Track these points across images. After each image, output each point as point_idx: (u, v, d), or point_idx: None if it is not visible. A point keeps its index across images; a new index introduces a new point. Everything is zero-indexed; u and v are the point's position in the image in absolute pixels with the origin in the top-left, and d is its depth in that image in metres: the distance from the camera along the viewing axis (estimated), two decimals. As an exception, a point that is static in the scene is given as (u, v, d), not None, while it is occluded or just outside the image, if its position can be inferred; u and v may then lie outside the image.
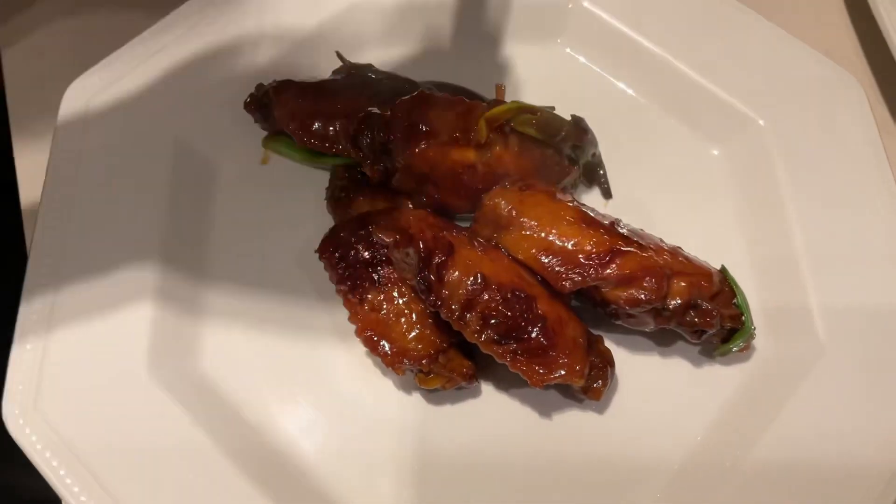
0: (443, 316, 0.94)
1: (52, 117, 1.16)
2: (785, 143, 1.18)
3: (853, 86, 1.20)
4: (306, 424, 1.03)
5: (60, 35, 1.39)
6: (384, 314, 1.01)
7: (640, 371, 1.07)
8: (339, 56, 1.21)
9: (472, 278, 0.93)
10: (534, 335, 0.93)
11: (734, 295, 1.03)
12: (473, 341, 0.95)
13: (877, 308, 1.05)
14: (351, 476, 1.00)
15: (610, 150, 1.22)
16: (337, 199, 1.14)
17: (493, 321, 0.93)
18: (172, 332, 1.05)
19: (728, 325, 1.02)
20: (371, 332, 1.00)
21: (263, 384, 1.06)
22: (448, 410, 1.04)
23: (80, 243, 1.07)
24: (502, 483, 1.00)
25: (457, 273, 0.93)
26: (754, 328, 1.04)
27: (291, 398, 1.05)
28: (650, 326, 1.03)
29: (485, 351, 0.95)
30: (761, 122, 1.20)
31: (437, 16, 1.32)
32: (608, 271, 0.97)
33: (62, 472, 0.93)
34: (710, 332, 1.02)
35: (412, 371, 1.00)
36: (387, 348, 0.99)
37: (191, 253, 1.12)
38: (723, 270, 1.05)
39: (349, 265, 1.03)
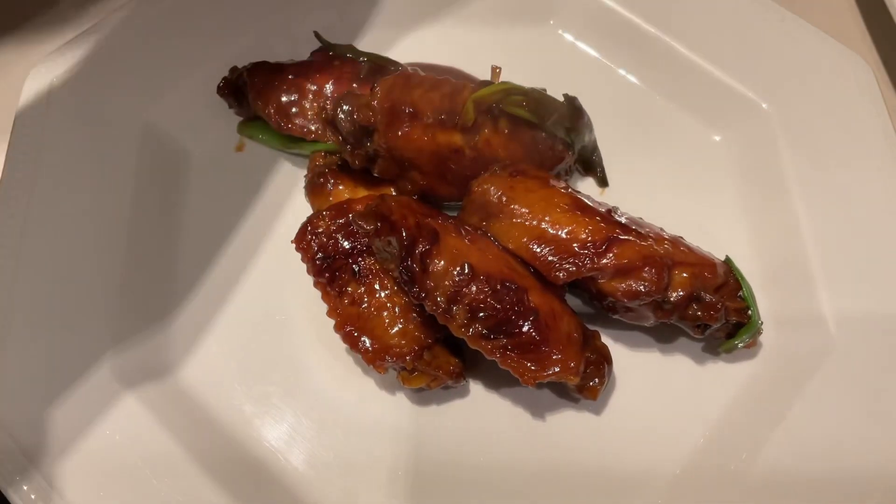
0: (427, 309, 0.87)
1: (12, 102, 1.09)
2: (790, 128, 1.12)
3: (862, 67, 1.14)
4: (284, 431, 0.96)
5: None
6: (365, 308, 0.93)
7: (639, 369, 1.01)
8: (318, 36, 1.15)
9: (458, 268, 0.86)
10: (525, 329, 0.86)
11: (739, 287, 0.97)
12: (460, 336, 0.88)
13: (888, 299, 0.99)
14: (331, 487, 0.93)
15: (606, 136, 1.15)
16: (315, 186, 1.07)
17: (481, 314, 0.86)
18: (140, 334, 0.99)
19: (733, 319, 0.96)
20: (351, 328, 0.93)
21: (237, 387, 0.99)
22: (434, 412, 0.97)
23: (39, 236, 1.00)
24: (494, 491, 0.93)
25: (442, 262, 0.86)
26: (761, 322, 0.97)
27: (267, 402, 0.98)
28: (650, 321, 0.96)
29: (473, 347, 0.88)
30: (765, 105, 1.14)
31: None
32: (604, 261, 0.91)
33: (25, 487, 0.86)
34: (715, 326, 0.95)
35: (395, 369, 0.93)
36: (367, 344, 0.92)
37: (159, 245, 1.05)
38: (727, 261, 0.99)
39: (327, 256, 0.97)
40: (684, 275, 0.94)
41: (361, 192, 1.04)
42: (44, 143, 1.05)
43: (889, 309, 0.98)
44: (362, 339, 0.92)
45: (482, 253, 0.90)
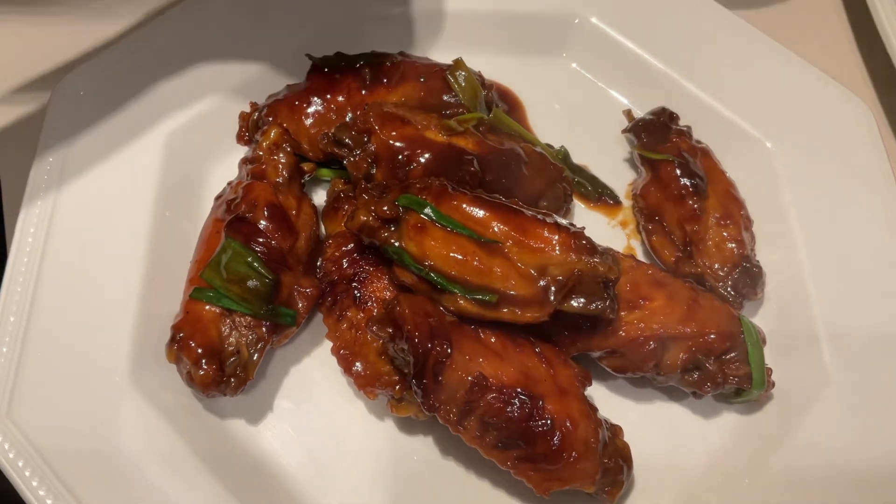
0: (440, 420, 0.84)
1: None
2: (792, 167, 1.11)
3: (862, 111, 1.13)
4: (281, 439, 0.96)
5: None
6: (360, 334, 0.92)
7: (635, 400, 1.00)
8: (309, 57, 1.14)
9: (471, 379, 0.82)
10: (539, 440, 0.83)
11: (746, 352, 0.94)
12: (473, 446, 0.85)
13: (885, 336, 0.98)
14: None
15: (611, 166, 1.16)
16: (330, 210, 1.07)
17: (493, 426, 0.83)
18: (155, 339, 0.97)
19: (734, 387, 0.94)
20: (346, 352, 0.92)
21: (253, 399, 0.99)
22: (421, 445, 0.96)
23: (61, 246, 1.00)
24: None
25: (455, 374, 0.82)
26: (764, 389, 0.95)
27: (268, 410, 0.98)
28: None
29: (486, 457, 0.85)
30: (769, 144, 1.13)
31: (436, 25, 1.25)
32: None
33: (34, 483, 0.85)
34: (713, 392, 0.94)
35: (385, 396, 0.92)
36: (360, 370, 0.90)
37: (177, 258, 1.03)
38: (741, 321, 0.96)
39: (330, 281, 0.96)
40: (681, 355, 0.92)
41: (368, 211, 1.01)
42: (69, 154, 1.05)
43: (885, 343, 0.98)
44: (356, 364, 0.91)
45: (498, 357, 0.86)
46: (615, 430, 0.90)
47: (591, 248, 0.87)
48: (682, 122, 1.15)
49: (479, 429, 0.83)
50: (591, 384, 0.91)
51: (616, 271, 0.87)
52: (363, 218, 0.90)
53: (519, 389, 0.83)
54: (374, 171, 1.01)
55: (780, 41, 1.20)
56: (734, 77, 1.18)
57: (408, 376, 0.84)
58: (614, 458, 0.86)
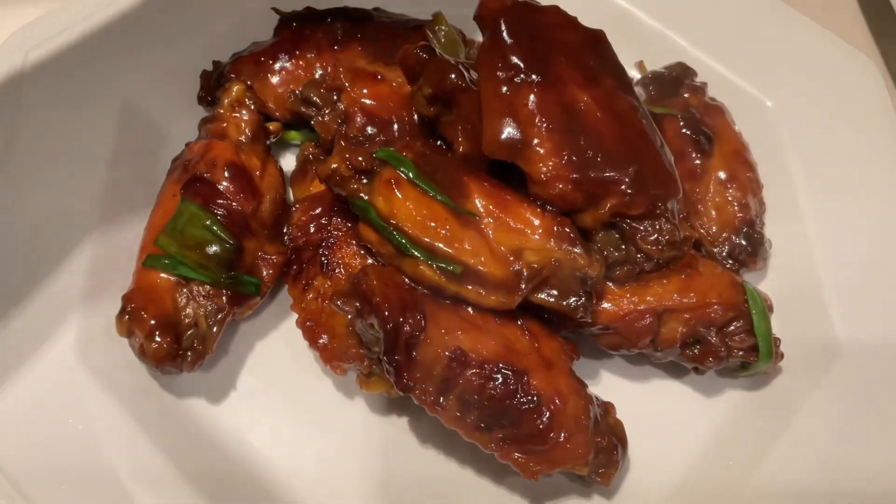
0: (416, 400, 0.75)
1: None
2: (795, 126, 1.04)
3: (868, 66, 1.05)
4: (245, 419, 0.87)
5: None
6: (328, 304, 0.82)
7: (632, 379, 0.92)
8: (277, 11, 1.05)
9: (448, 353, 0.73)
10: (525, 419, 0.74)
11: (751, 322, 0.85)
12: (453, 428, 0.76)
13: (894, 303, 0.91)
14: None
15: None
16: (298, 175, 0.98)
17: (475, 404, 0.74)
18: (106, 312, 0.87)
19: (738, 360, 0.86)
20: (311, 323, 0.83)
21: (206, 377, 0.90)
22: (394, 424, 0.88)
23: (11, 211, 0.90)
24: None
25: (430, 348, 0.73)
26: (772, 361, 0.87)
27: (230, 388, 0.89)
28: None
29: (468, 439, 0.76)
30: (769, 103, 1.06)
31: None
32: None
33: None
34: (716, 367, 0.86)
35: (354, 371, 0.83)
36: (326, 342, 0.81)
37: (131, 225, 0.94)
38: (745, 289, 0.87)
39: (298, 248, 0.87)
40: (680, 328, 0.84)
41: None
42: (16, 115, 0.95)
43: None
44: (322, 336, 0.82)
45: (477, 329, 0.77)
46: (606, 408, 0.82)
47: (574, 239, 0.78)
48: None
49: (459, 408, 0.74)
50: (578, 358, 0.83)
51: (598, 268, 0.78)
52: (334, 165, 0.81)
53: (501, 364, 0.74)
54: (343, 131, 0.92)
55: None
56: (733, 35, 1.10)
57: (377, 353, 0.75)
58: (607, 437, 0.78)
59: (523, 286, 0.76)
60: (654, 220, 0.80)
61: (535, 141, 0.78)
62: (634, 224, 0.80)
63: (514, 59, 0.81)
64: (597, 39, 0.88)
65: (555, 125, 0.78)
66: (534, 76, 0.80)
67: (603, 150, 0.78)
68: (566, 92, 0.80)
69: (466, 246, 0.77)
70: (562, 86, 0.81)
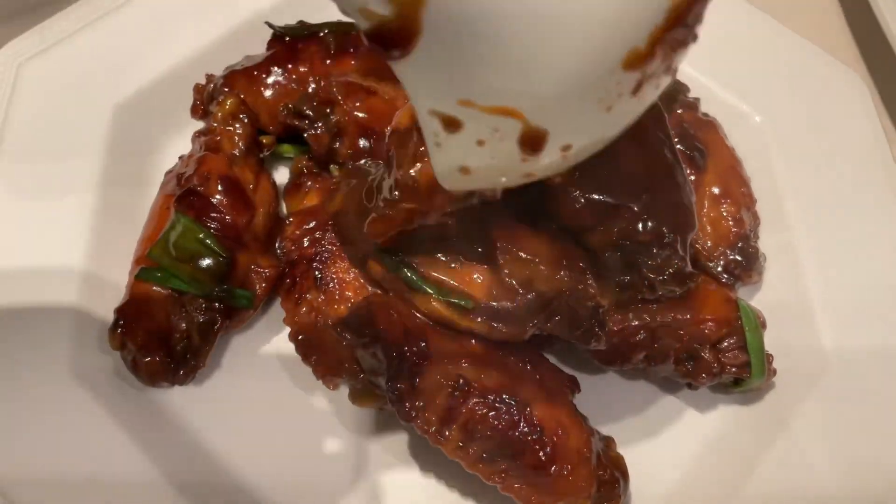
0: (418, 431, 0.74)
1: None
2: (783, 141, 1.03)
3: (856, 82, 1.06)
4: (236, 433, 0.86)
5: None
6: (321, 318, 0.82)
7: (625, 393, 0.92)
8: (270, 25, 1.04)
9: (451, 383, 0.73)
10: (528, 450, 0.73)
11: (744, 339, 0.85)
12: (455, 459, 0.75)
13: (886, 317, 0.91)
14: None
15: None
16: (291, 188, 0.97)
17: (478, 435, 0.73)
18: (98, 325, 0.87)
19: (731, 377, 0.86)
20: (304, 337, 0.82)
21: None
22: (387, 440, 0.87)
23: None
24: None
25: (433, 377, 0.73)
26: (765, 377, 0.86)
27: (221, 401, 0.88)
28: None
29: (470, 471, 0.75)
30: (758, 118, 1.06)
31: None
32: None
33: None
34: (709, 383, 0.86)
35: (346, 386, 0.83)
36: (318, 357, 0.81)
37: (124, 239, 0.93)
38: (739, 305, 0.86)
39: (291, 262, 0.87)
40: (674, 344, 0.83)
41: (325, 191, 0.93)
42: (7, 126, 0.95)
43: (882, 324, 0.91)
44: (314, 350, 0.81)
45: (480, 360, 0.76)
46: (607, 442, 0.82)
47: (584, 268, 0.78)
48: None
49: (463, 439, 0.73)
50: (579, 391, 0.82)
51: (608, 297, 0.78)
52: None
53: (505, 395, 0.74)
54: (337, 145, 0.92)
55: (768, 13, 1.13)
56: (722, 49, 1.09)
57: (378, 381, 0.75)
58: (609, 470, 0.77)
59: (535, 317, 0.76)
60: (661, 249, 0.78)
61: None
62: (641, 250, 0.78)
63: None
64: None
65: None
66: None
67: (620, 173, 0.77)
68: None
69: (477, 278, 0.77)
70: None
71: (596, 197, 0.75)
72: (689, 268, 0.79)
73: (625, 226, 0.76)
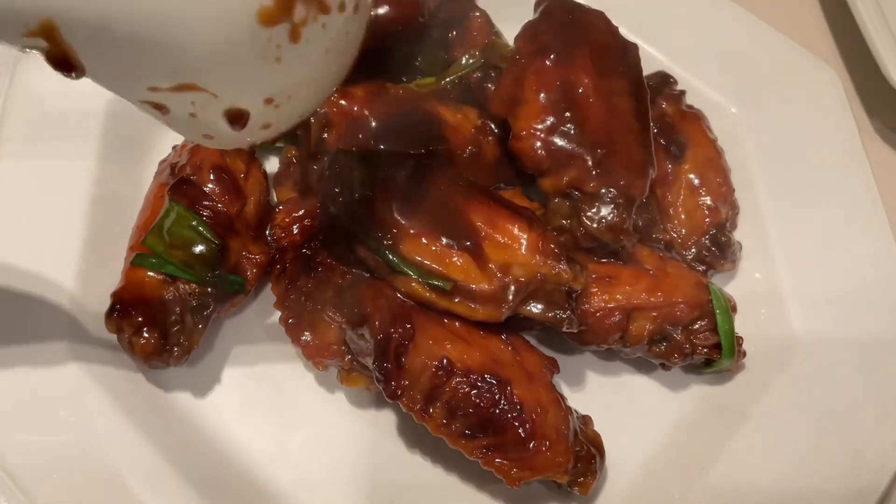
0: (403, 408, 0.78)
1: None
2: (758, 132, 1.06)
3: (830, 76, 1.09)
4: (229, 413, 0.89)
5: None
6: (310, 302, 0.85)
7: (596, 383, 0.95)
8: None
9: (436, 363, 0.77)
10: (508, 427, 0.77)
11: (715, 322, 0.89)
12: (439, 435, 0.78)
13: (852, 300, 0.95)
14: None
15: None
16: (280, 177, 0.99)
17: (460, 412, 0.77)
18: (96, 309, 0.89)
19: (703, 357, 0.89)
20: (294, 321, 0.85)
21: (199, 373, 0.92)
22: (374, 418, 0.90)
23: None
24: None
25: (419, 357, 0.77)
26: (734, 359, 0.90)
27: (215, 383, 0.91)
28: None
29: (453, 447, 0.79)
30: (733, 109, 1.09)
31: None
32: None
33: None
34: (681, 364, 0.89)
35: (335, 367, 0.86)
36: (308, 339, 0.84)
37: (119, 226, 0.95)
38: (710, 290, 0.90)
39: (281, 248, 0.89)
40: (647, 326, 0.87)
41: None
42: (5, 112, 0.98)
43: (852, 317, 0.94)
44: (304, 333, 0.84)
45: (463, 341, 0.80)
46: (585, 420, 0.85)
47: (559, 254, 0.81)
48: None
49: (445, 416, 0.77)
50: (558, 371, 0.85)
51: (581, 282, 0.82)
52: None
53: (486, 374, 0.77)
54: (325, 135, 0.95)
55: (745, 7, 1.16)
56: (699, 41, 1.13)
57: (366, 362, 0.78)
58: (586, 447, 0.81)
59: (511, 300, 0.80)
60: (605, 203, 0.85)
61: (527, 101, 0.87)
62: (586, 200, 0.86)
63: (544, 38, 0.92)
64: (625, 48, 0.96)
65: (548, 94, 0.87)
66: (552, 55, 0.89)
67: (582, 127, 0.86)
68: (571, 73, 0.89)
69: (456, 261, 0.81)
70: (571, 68, 0.89)
71: (555, 142, 0.85)
72: (629, 227, 0.85)
73: (575, 175, 0.85)
